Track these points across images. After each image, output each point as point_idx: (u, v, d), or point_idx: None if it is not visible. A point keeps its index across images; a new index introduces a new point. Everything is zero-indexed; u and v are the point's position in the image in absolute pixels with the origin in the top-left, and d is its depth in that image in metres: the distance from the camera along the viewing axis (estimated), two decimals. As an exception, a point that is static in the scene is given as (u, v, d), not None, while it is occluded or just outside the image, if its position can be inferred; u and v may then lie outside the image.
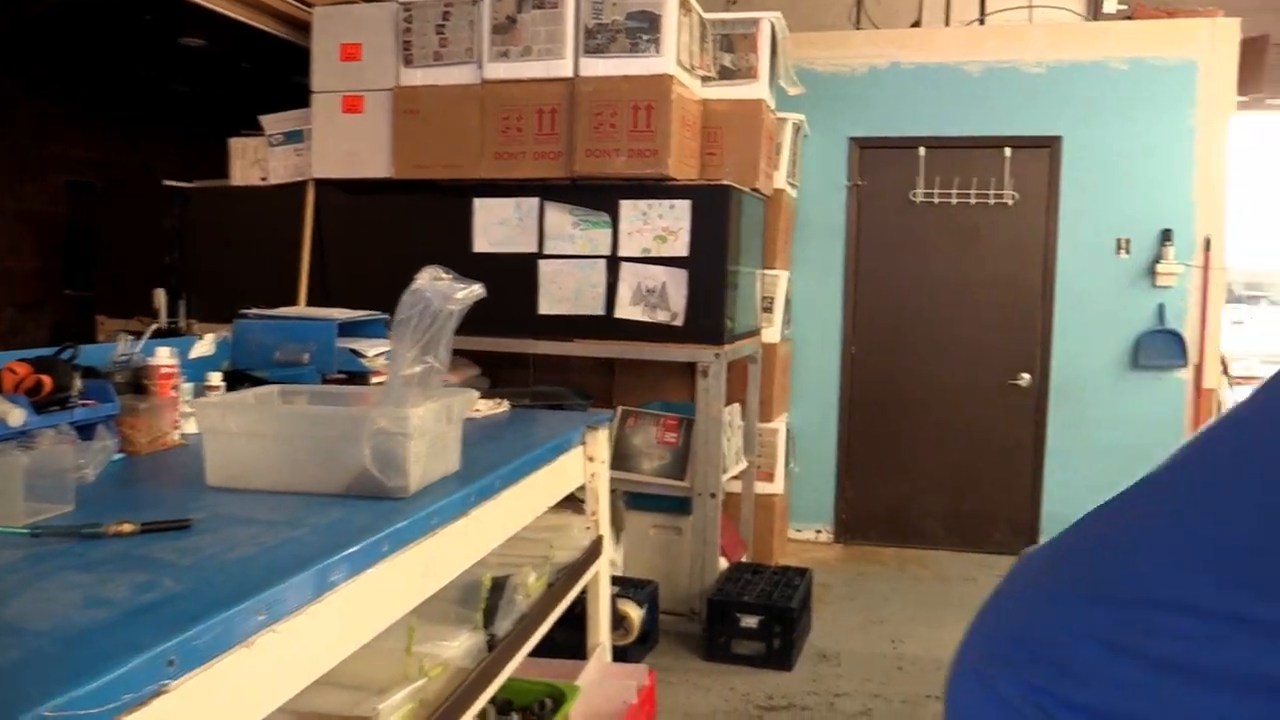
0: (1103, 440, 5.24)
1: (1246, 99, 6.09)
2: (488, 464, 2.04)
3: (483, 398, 2.78)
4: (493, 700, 2.39)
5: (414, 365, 1.71)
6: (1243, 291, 11.73)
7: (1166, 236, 5.19)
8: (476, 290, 1.78)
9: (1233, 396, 5.90)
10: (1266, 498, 0.64)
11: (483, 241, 4.41)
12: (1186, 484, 0.72)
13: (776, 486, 5.20)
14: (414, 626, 1.78)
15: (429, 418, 1.76)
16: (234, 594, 1.20)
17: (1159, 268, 5.19)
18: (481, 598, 2.05)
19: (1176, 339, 5.18)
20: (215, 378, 2.35)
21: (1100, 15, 5.69)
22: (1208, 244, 5.19)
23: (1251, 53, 5.93)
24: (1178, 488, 0.74)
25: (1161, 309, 5.22)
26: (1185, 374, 5.21)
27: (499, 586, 2.10)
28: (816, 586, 4.55)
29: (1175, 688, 0.68)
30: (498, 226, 4.40)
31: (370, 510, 1.62)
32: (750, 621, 3.98)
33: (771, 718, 3.57)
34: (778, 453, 5.19)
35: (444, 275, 1.77)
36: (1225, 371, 5.84)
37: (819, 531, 5.73)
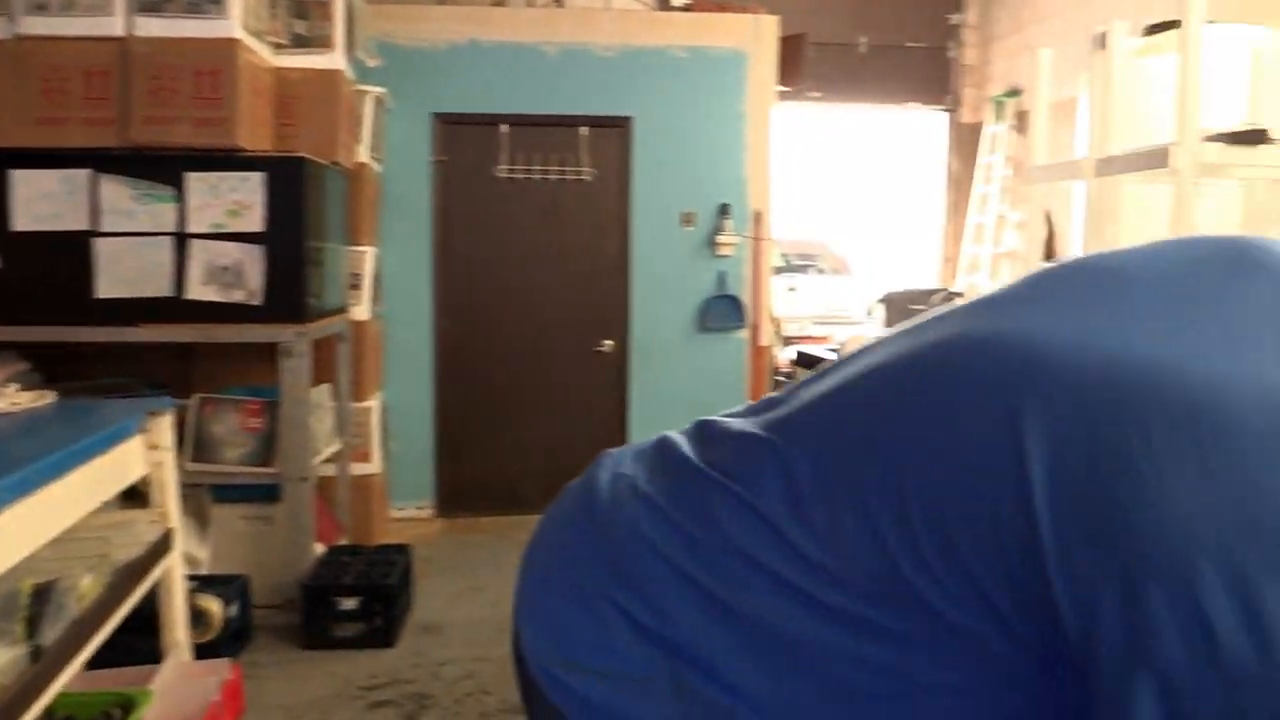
0: (677, 396, 5.69)
1: (789, 90, 6.85)
2: (19, 459, 1.84)
3: (25, 389, 2.49)
4: (50, 717, 2.17)
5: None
6: (796, 261, 13.13)
7: (724, 210, 5.72)
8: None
9: (786, 354, 6.65)
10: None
11: (25, 218, 3.91)
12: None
13: (374, 466, 5.13)
14: (-70, 647, 1.57)
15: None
16: None
17: (719, 239, 5.71)
18: (21, 606, 1.85)
19: (736, 303, 5.74)
20: None
21: (667, 6, 6.12)
22: (758, 217, 5.79)
23: (791, 48, 6.67)
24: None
25: (722, 276, 5.76)
26: (744, 334, 5.80)
27: (43, 593, 1.90)
28: (418, 561, 4.56)
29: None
30: (42, 201, 3.93)
31: None
32: (350, 604, 3.91)
33: (375, 696, 3.54)
34: (373, 432, 5.12)
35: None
36: (779, 331, 6.56)
37: (420, 508, 5.74)
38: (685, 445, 0.97)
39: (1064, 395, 0.64)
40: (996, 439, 0.66)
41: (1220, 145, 4.15)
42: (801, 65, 7.55)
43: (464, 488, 5.80)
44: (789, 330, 10.24)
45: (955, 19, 10.92)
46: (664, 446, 1.01)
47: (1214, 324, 0.65)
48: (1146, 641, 0.57)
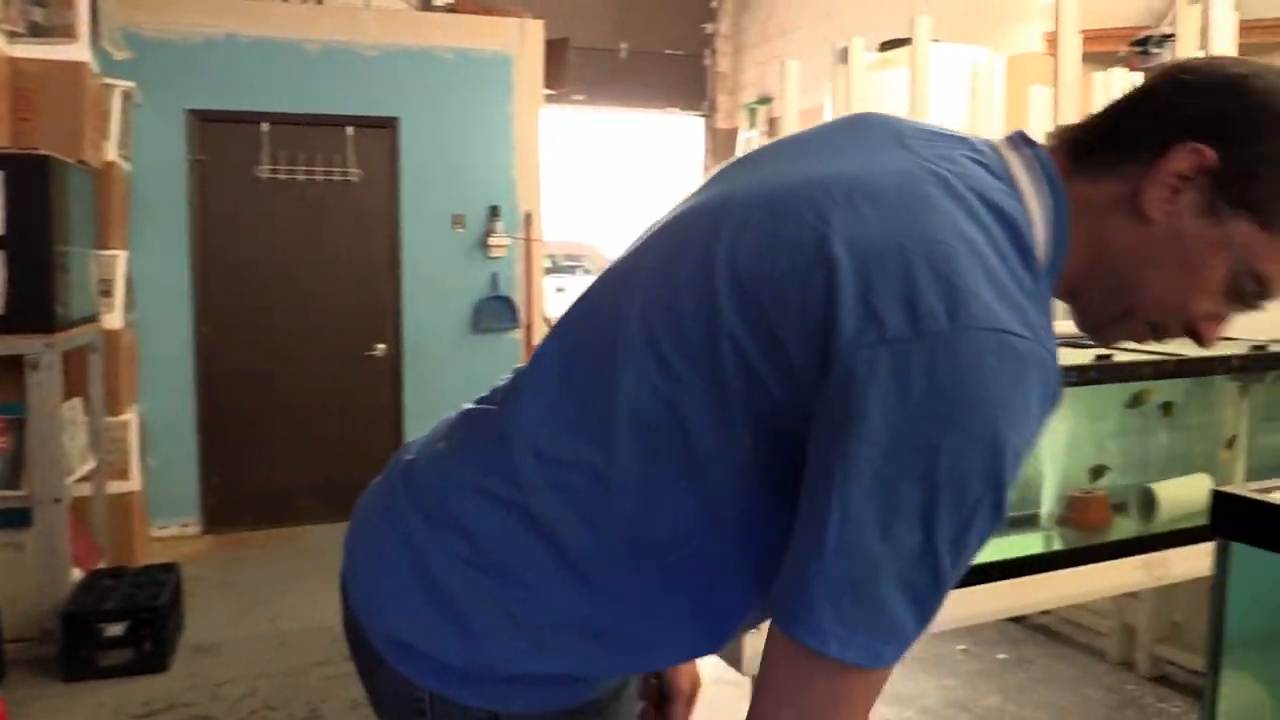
0: (453, 398, 5.67)
1: (554, 93, 6.98)
2: None
3: None
4: None
5: None
6: (565, 262, 13.33)
7: (495, 212, 5.78)
8: None
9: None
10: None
11: None
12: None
13: (133, 483, 4.85)
14: None
15: None
16: None
17: (490, 240, 5.77)
18: None
19: (509, 304, 5.82)
20: None
21: (430, 6, 6.09)
22: (528, 219, 5.89)
23: (556, 52, 6.80)
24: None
25: (495, 277, 5.82)
26: (518, 335, 5.88)
27: None
28: (188, 580, 4.36)
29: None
30: None
31: None
32: (115, 629, 3.70)
33: (149, 723, 3.38)
34: (131, 447, 4.84)
35: None
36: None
37: (185, 525, 5.47)
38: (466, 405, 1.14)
39: (737, 214, 0.90)
40: (702, 260, 0.89)
41: (947, 155, 4.61)
42: (565, 69, 7.72)
43: (232, 501, 5.57)
44: (559, 329, 10.41)
45: (709, 28, 11.45)
46: (450, 418, 1.18)
47: (849, 152, 0.94)
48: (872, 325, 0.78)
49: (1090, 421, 2.72)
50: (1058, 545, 2.60)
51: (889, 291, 0.78)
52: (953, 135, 0.96)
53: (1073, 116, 3.99)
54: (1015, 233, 0.85)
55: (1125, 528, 2.68)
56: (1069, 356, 2.60)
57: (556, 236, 13.61)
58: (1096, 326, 0.98)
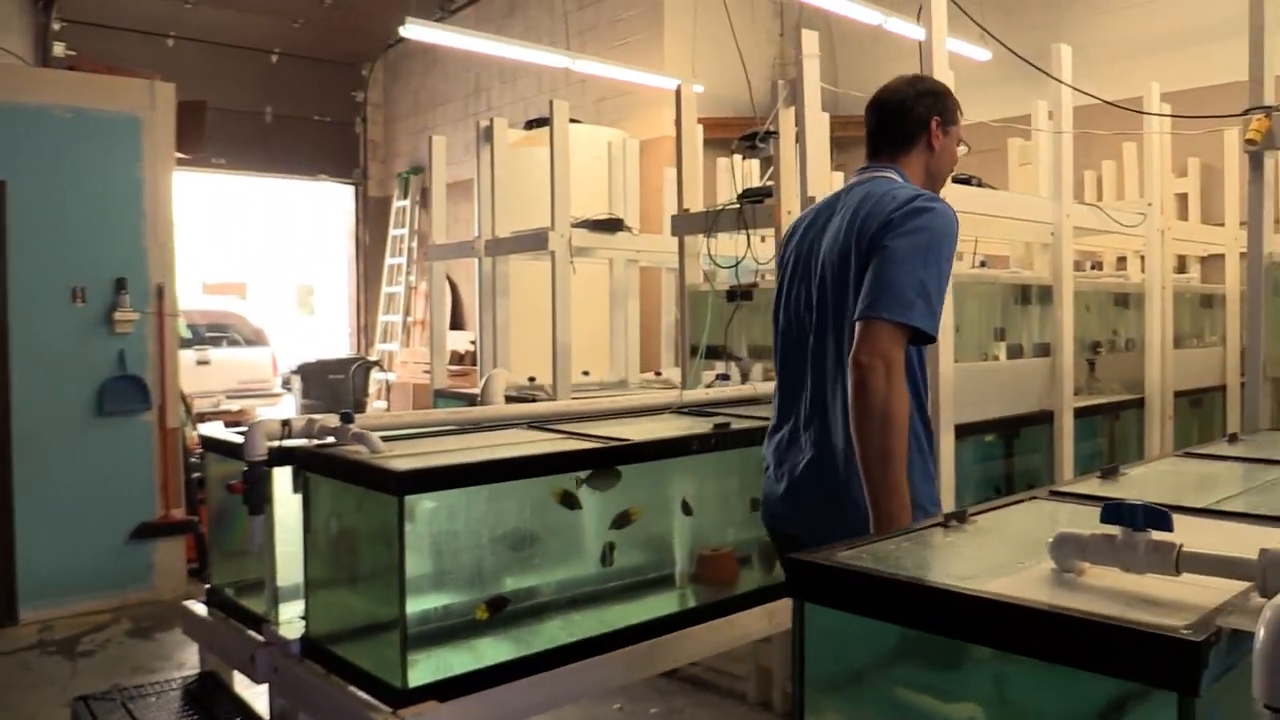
0: (76, 488, 5.16)
1: (188, 157, 6.61)
2: None
3: None
4: None
5: None
6: (209, 333, 12.49)
7: (121, 284, 5.34)
8: None
9: (202, 431, 6.31)
10: None
11: None
12: None
13: None
14: None
15: None
16: None
17: (116, 315, 5.31)
18: None
19: (139, 383, 5.37)
20: None
21: (49, 62, 5.58)
22: (160, 291, 5.49)
23: (192, 114, 6.46)
24: None
25: (122, 355, 5.36)
26: (150, 416, 5.43)
27: None
28: None
29: None
30: None
31: None
32: None
33: None
34: None
35: None
36: (190, 411, 6.24)
37: None
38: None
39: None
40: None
41: (585, 231, 4.86)
42: (202, 132, 7.34)
43: None
44: (201, 406, 9.76)
45: (360, 96, 11.35)
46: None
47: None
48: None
49: (717, 481, 2.95)
50: (692, 603, 2.78)
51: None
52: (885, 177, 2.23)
53: (696, 195, 4.34)
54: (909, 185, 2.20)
55: (751, 579, 2.92)
56: (676, 428, 2.82)
57: (200, 305, 12.81)
58: (937, 188, 2.31)
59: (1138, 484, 1.98)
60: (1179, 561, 1.15)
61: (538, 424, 2.79)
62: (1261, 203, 2.82)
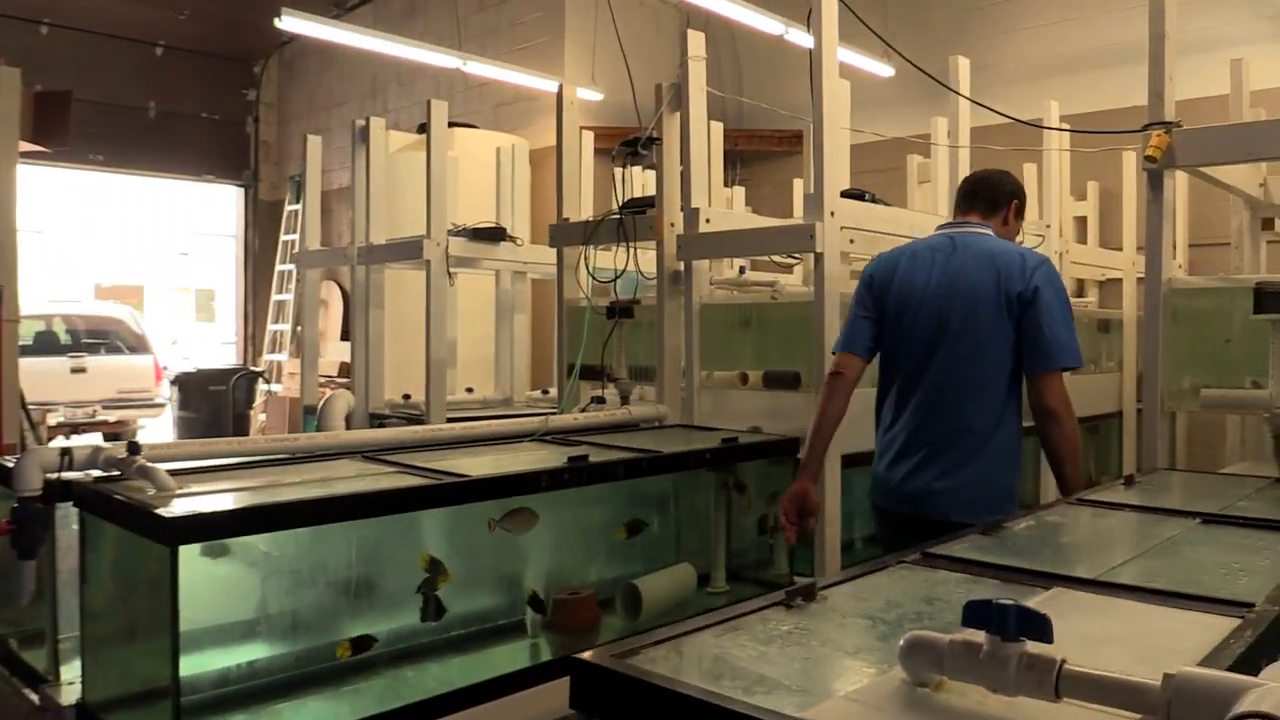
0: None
1: (52, 150, 6.13)
2: None
3: None
4: None
5: None
6: (88, 339, 11.80)
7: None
8: None
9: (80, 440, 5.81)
10: None
11: None
12: None
13: None
14: None
15: None
16: None
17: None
18: None
19: (-28, 395, 4.89)
20: None
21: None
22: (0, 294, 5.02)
23: (54, 105, 5.99)
24: None
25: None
26: (-15, 431, 4.95)
27: None
28: None
29: None
30: None
31: None
32: None
33: None
34: None
35: None
36: (32, 424, 5.74)
37: None
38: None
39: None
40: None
41: (464, 240, 4.55)
42: (66, 124, 6.83)
43: None
44: (75, 416, 9.14)
45: (251, 95, 10.82)
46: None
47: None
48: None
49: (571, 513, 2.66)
50: (545, 654, 2.48)
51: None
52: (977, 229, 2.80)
53: (578, 204, 4.07)
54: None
55: (613, 626, 2.64)
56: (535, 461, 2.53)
57: (77, 309, 12.10)
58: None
59: (1020, 542, 1.75)
60: (1059, 684, 0.89)
61: (373, 455, 2.47)
62: (1161, 224, 2.65)
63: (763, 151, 7.44)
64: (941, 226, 2.89)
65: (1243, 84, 3.81)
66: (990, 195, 2.83)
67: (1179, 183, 5.47)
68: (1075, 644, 0.95)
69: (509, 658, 2.43)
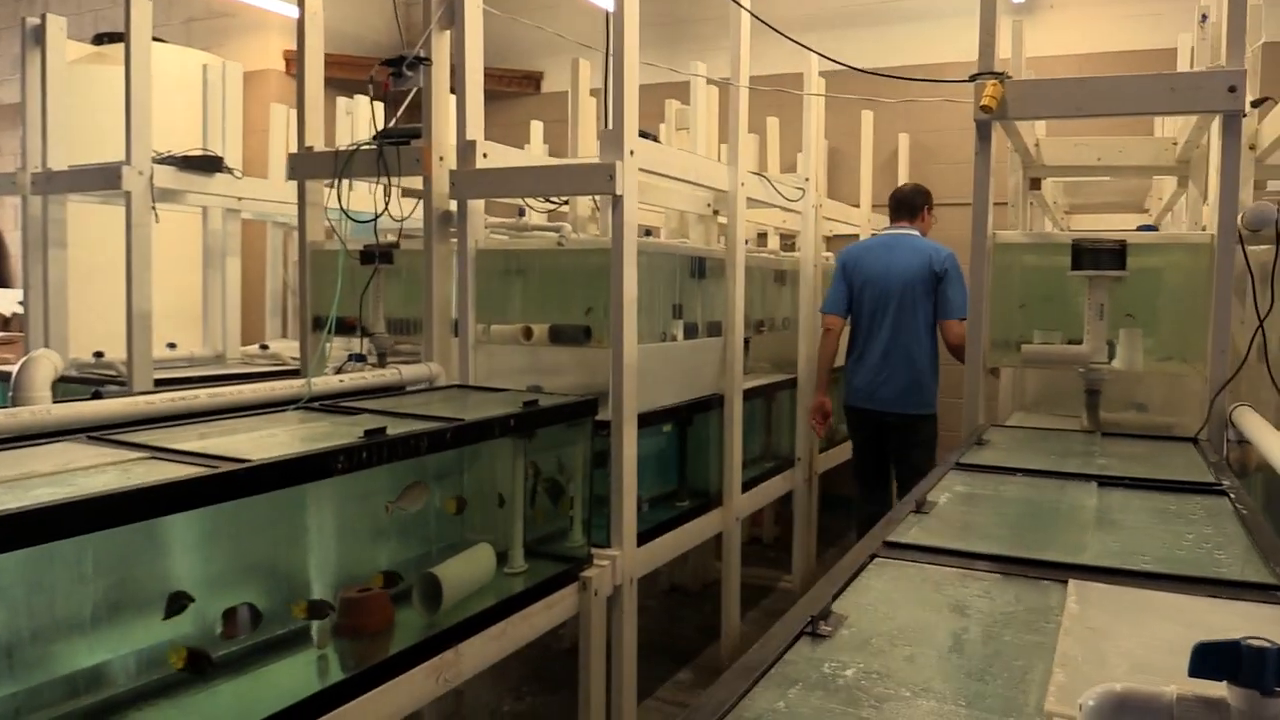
0: None
1: None
2: None
3: None
4: None
5: None
6: None
7: None
8: None
9: None
10: None
11: None
12: None
13: None
14: None
15: None
16: None
17: None
18: None
19: None
20: None
21: None
22: None
23: None
24: None
25: None
26: None
27: None
28: None
29: None
30: None
31: None
32: None
33: None
34: None
35: None
36: None
37: None
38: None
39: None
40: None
41: (173, 169, 3.87)
42: None
43: None
44: None
45: None
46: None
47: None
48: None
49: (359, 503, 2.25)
50: (335, 669, 2.06)
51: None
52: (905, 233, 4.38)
53: (317, 135, 3.54)
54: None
55: (411, 623, 2.26)
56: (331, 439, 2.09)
57: None
58: None
59: (965, 519, 1.57)
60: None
61: (100, 436, 1.92)
62: (988, 176, 2.60)
63: (494, 91, 6.98)
64: (885, 229, 4.45)
65: (1022, 49, 3.83)
66: (911, 206, 4.34)
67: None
68: (1171, 656, 0.74)
69: (294, 677, 1.99)
